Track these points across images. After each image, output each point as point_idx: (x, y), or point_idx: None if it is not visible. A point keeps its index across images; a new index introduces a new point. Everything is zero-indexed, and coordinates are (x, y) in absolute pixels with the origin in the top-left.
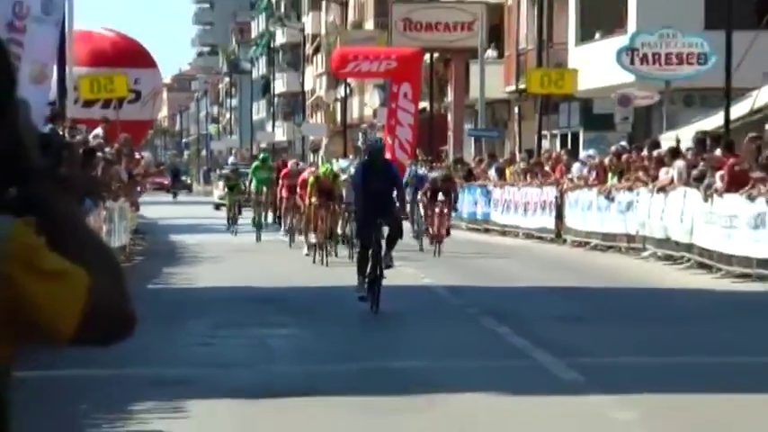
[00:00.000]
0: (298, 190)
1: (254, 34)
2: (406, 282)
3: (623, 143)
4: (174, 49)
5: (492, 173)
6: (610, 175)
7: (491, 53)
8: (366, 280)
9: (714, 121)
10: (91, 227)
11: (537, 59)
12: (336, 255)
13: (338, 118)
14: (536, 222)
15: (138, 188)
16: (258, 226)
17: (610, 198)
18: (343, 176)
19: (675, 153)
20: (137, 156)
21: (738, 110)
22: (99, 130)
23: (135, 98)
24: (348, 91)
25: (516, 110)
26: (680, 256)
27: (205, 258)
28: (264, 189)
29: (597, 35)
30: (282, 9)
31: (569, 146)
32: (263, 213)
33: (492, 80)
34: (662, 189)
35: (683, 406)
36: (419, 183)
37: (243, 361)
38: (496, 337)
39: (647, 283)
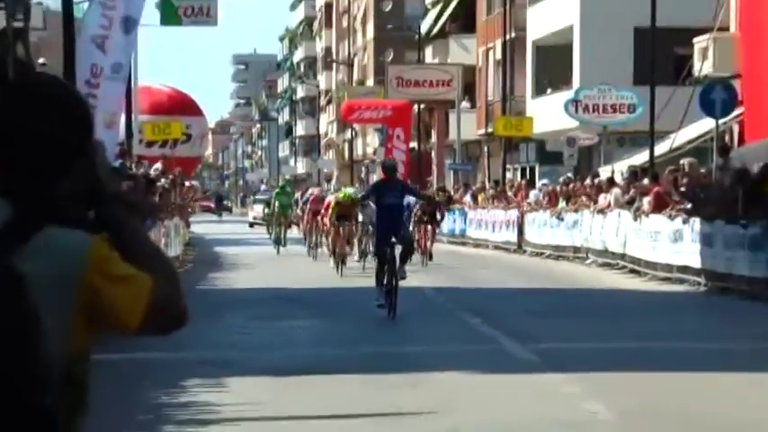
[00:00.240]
0: (321, 212)
1: (279, 89)
2: (402, 284)
3: (570, 174)
4: (217, 100)
5: (467, 198)
6: (560, 199)
7: (465, 104)
8: (384, 290)
9: (642, 158)
10: (152, 241)
11: (501, 109)
12: (362, 264)
13: (346, 155)
14: (502, 237)
15: (189, 210)
16: (277, 241)
17: (560, 218)
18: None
19: (611, 182)
20: (187, 185)
21: (660, 148)
22: (158, 165)
23: (186, 139)
24: (354, 134)
25: (486, 149)
26: (615, 263)
27: (242, 265)
28: (284, 210)
29: (549, 90)
30: (302, 70)
31: (528, 177)
32: (284, 230)
33: (466, 125)
34: (601, 211)
35: (619, 382)
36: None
37: (271, 346)
38: (472, 328)
39: (590, 284)
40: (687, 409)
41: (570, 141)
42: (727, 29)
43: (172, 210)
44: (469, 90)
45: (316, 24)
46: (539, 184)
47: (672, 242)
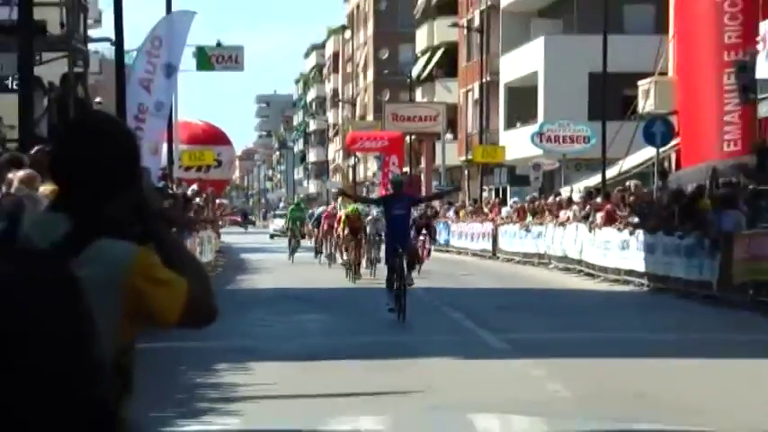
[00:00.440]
0: (335, 225)
1: (295, 123)
2: None
3: (536, 194)
4: (244, 132)
5: (451, 213)
6: (528, 214)
7: (449, 136)
8: (393, 294)
9: (595, 180)
10: (188, 250)
11: (479, 140)
12: (371, 271)
13: (350, 178)
14: (479, 246)
15: (219, 223)
16: (292, 251)
17: (527, 230)
18: (368, 217)
19: (570, 201)
20: (218, 202)
21: (611, 172)
22: (194, 186)
23: (218, 165)
24: (356, 160)
25: (466, 172)
26: (573, 267)
27: (263, 270)
28: (298, 224)
29: (518, 124)
30: (314, 108)
31: (501, 196)
32: (297, 241)
33: (450, 153)
34: (561, 224)
35: (579, 366)
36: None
37: (287, 336)
38: (454, 321)
39: (553, 285)
40: (635, 389)
41: (536, 167)
42: (666, 73)
43: (205, 223)
44: (452, 124)
45: (325, 70)
46: (510, 201)
47: (620, 250)
